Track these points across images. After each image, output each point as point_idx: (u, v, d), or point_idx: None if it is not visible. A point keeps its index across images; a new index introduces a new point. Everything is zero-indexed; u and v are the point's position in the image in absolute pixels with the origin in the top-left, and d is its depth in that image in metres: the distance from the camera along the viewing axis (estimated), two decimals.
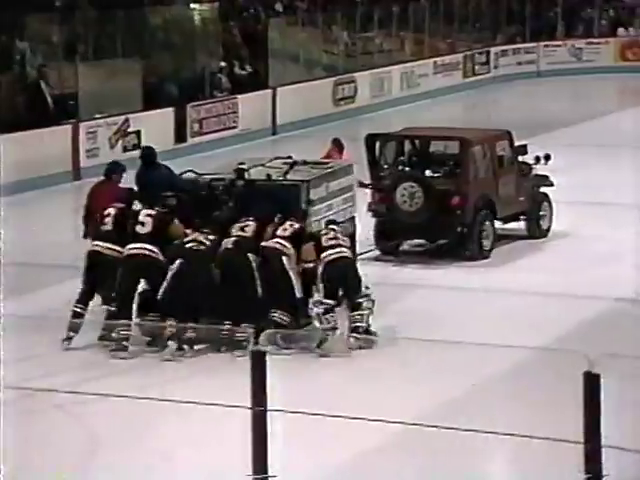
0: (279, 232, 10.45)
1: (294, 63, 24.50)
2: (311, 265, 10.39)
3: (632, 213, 15.20)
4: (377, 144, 13.70)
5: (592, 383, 6.41)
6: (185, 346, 10.07)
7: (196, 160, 17.21)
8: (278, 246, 10.36)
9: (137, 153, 13.14)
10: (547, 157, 14.11)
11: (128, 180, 11.69)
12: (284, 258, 10.31)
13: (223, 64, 22.49)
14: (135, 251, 10.29)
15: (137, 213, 10.52)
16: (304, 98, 23.34)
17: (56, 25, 20.13)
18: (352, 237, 11.60)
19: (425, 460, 7.89)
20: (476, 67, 29.30)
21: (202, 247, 10.31)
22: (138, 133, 19.41)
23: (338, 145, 14.10)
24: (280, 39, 24.35)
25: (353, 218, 11.85)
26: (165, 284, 10.09)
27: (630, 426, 7.98)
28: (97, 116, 19.32)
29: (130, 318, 10.29)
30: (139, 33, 21.37)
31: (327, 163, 12.36)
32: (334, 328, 10.30)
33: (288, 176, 11.30)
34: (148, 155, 11.87)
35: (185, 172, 11.54)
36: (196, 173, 11.48)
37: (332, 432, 7.94)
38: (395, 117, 24.30)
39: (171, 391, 8.95)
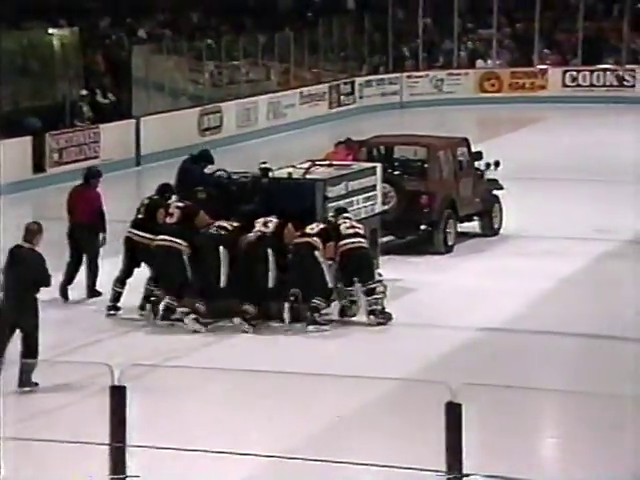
0: (308, 230, 11.79)
1: (159, 92, 24.28)
2: (332, 261, 11.77)
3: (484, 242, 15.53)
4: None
5: (454, 412, 6.49)
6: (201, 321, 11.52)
7: (54, 191, 16.87)
8: (310, 240, 11.69)
9: None
10: (497, 163, 15.66)
11: None
12: (316, 252, 11.64)
13: (84, 92, 22.11)
14: (162, 242, 11.73)
15: (168, 205, 11.94)
16: (169, 128, 23.12)
17: None
18: (375, 231, 13.08)
19: None
20: (342, 97, 29.56)
21: (222, 232, 11.69)
22: None
23: (348, 144, 15.29)
24: (144, 67, 24.08)
25: (376, 214, 13.20)
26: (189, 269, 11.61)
27: (491, 454, 8.08)
28: None
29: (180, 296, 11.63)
30: None
31: (350, 165, 13.74)
32: (354, 301, 11.80)
33: (307, 176, 12.65)
34: (204, 155, 13.52)
35: (217, 171, 12.93)
36: (226, 172, 12.84)
37: (200, 466, 7.82)
38: (262, 147, 24.34)
39: None
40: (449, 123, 24.90)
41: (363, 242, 11.94)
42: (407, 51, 32.42)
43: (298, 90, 27.98)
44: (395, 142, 15.75)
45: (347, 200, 12.67)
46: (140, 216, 12.12)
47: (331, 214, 12.14)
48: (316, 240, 11.71)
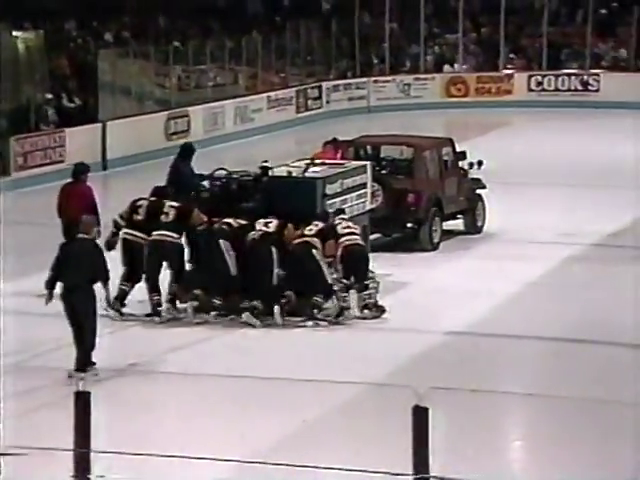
0: (306, 232, 12.09)
1: (125, 96, 24.16)
2: (332, 259, 12.11)
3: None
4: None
5: (420, 416, 6.50)
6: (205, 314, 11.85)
7: (19, 195, 16.76)
8: (309, 240, 12.00)
9: None
10: (480, 163, 15.97)
11: None
12: (314, 251, 11.96)
13: (50, 96, 21.99)
14: (157, 237, 12.07)
15: (162, 205, 12.23)
16: (136, 132, 23.01)
17: None
18: (365, 227, 13.26)
19: None
20: (309, 102, 29.56)
21: (225, 227, 12.04)
22: None
23: (335, 144, 15.52)
24: (110, 71, 23.94)
25: (367, 211, 13.46)
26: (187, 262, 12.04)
27: (458, 457, 8.09)
28: None
29: (158, 291, 12.00)
30: None
31: (343, 163, 14.00)
32: (347, 308, 12.02)
33: (306, 174, 12.94)
34: (187, 149, 14.25)
35: (216, 170, 13.13)
36: (226, 170, 13.11)
37: (167, 471, 7.78)
38: (229, 152, 24.29)
39: None
40: (416, 127, 24.90)
41: (359, 240, 12.31)
42: (374, 56, 32.49)
43: (265, 94, 27.95)
44: (382, 142, 16.05)
45: (342, 198, 12.98)
46: (139, 217, 12.30)
47: (336, 220, 12.39)
48: (314, 240, 12.03)
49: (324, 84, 30.27)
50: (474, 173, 16.14)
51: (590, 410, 9.53)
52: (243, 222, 12.15)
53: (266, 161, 13.24)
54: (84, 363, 10.22)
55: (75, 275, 10.31)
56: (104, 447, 6.73)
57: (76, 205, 12.79)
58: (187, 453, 7.62)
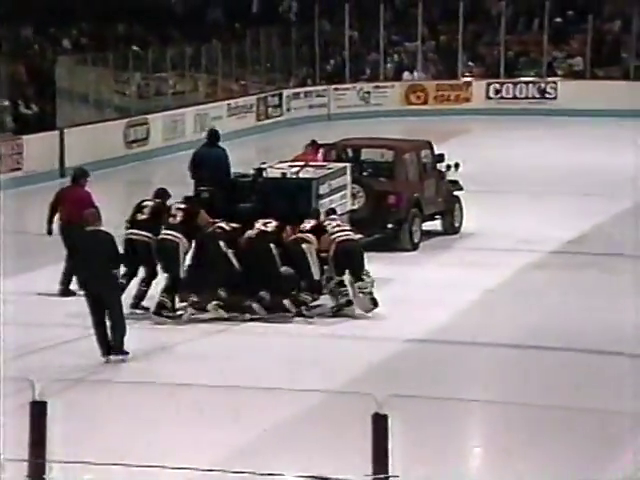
0: (300, 228, 12.47)
1: (83, 103, 24.02)
2: (325, 254, 12.43)
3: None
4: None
5: (380, 424, 6.50)
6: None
7: None
8: (303, 236, 12.40)
9: None
10: (457, 165, 16.55)
11: None
12: (305, 246, 12.29)
13: (7, 102, 21.82)
14: (165, 236, 12.47)
15: (170, 207, 12.66)
16: (94, 140, 22.85)
17: None
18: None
19: None
20: (269, 110, 29.54)
21: (219, 230, 12.40)
22: None
23: (315, 146, 16.15)
24: (68, 78, 23.78)
25: (347, 212, 13.92)
26: (187, 264, 12.39)
27: (418, 465, 8.10)
28: None
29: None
30: None
31: (325, 165, 14.46)
32: (350, 302, 12.32)
33: (300, 174, 13.44)
34: (213, 135, 14.63)
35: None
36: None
37: None
38: (188, 160, 24.18)
39: None
40: (376, 135, 24.98)
41: (352, 235, 12.69)
42: (334, 63, 32.53)
43: (225, 102, 27.90)
44: (363, 145, 16.55)
45: (330, 198, 13.46)
46: (144, 217, 12.65)
47: (326, 220, 12.80)
48: (309, 236, 12.41)
49: (284, 92, 30.28)
50: (451, 175, 16.60)
51: (549, 416, 9.57)
52: (235, 225, 12.50)
53: (264, 162, 13.79)
54: (119, 346, 10.87)
55: (94, 264, 10.85)
56: (59, 457, 6.66)
57: (75, 208, 12.87)
58: (146, 462, 7.56)
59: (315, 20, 32.04)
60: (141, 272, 12.71)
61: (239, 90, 29.33)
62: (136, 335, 11.41)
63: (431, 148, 16.38)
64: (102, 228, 11.13)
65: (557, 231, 16.48)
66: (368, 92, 31.36)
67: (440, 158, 16.45)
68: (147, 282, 12.61)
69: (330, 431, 9.07)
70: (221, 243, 12.31)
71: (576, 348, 11.45)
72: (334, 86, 31.42)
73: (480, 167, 22.44)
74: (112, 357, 10.90)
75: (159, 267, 12.55)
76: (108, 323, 10.95)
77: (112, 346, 10.92)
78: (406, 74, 32.33)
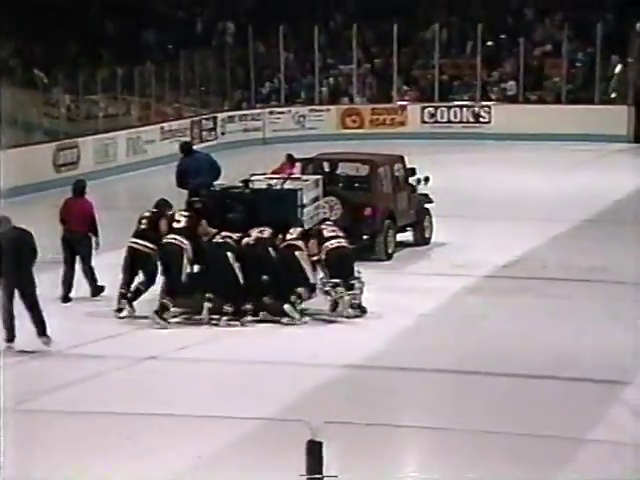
0: (288, 236, 13.17)
1: (11, 126, 23.62)
2: (315, 257, 13.17)
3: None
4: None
5: (314, 450, 6.43)
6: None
7: None
8: (292, 243, 13.06)
9: None
10: (427, 179, 17.28)
11: None
12: (297, 252, 13.00)
13: None
14: (171, 240, 13.06)
15: (173, 214, 13.37)
16: (22, 163, 22.34)
17: None
18: None
19: None
20: (204, 133, 29.36)
21: (228, 240, 13.01)
22: None
23: (291, 160, 17.32)
24: None
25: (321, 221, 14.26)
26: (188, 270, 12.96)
27: None
28: None
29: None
30: None
31: (300, 177, 15.19)
32: (337, 303, 12.99)
33: (285, 185, 14.27)
34: (185, 146, 16.44)
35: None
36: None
37: None
38: (121, 184, 23.95)
39: None
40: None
41: (344, 242, 13.33)
42: (269, 86, 32.49)
43: (159, 125, 27.68)
44: (339, 159, 17.19)
45: (309, 207, 14.21)
46: (142, 227, 13.40)
47: (322, 225, 13.58)
48: (298, 242, 13.12)
49: (219, 115, 30.16)
50: (421, 189, 17.31)
51: (484, 442, 9.50)
52: (239, 235, 13.11)
53: (253, 174, 14.64)
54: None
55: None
56: None
57: (78, 218, 14.10)
58: None
59: (249, 42, 31.98)
60: (141, 277, 13.32)
61: (173, 113, 29.14)
62: (59, 365, 11.16)
63: (403, 162, 17.17)
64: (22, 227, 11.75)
65: (491, 255, 16.51)
66: (303, 116, 31.36)
67: (412, 172, 17.21)
68: (145, 287, 13.23)
69: (265, 459, 8.93)
70: (229, 254, 12.85)
71: (512, 373, 11.40)
72: (269, 109, 31.38)
73: None
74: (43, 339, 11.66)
75: (160, 270, 13.06)
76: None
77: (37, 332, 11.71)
78: (342, 98, 32.35)
